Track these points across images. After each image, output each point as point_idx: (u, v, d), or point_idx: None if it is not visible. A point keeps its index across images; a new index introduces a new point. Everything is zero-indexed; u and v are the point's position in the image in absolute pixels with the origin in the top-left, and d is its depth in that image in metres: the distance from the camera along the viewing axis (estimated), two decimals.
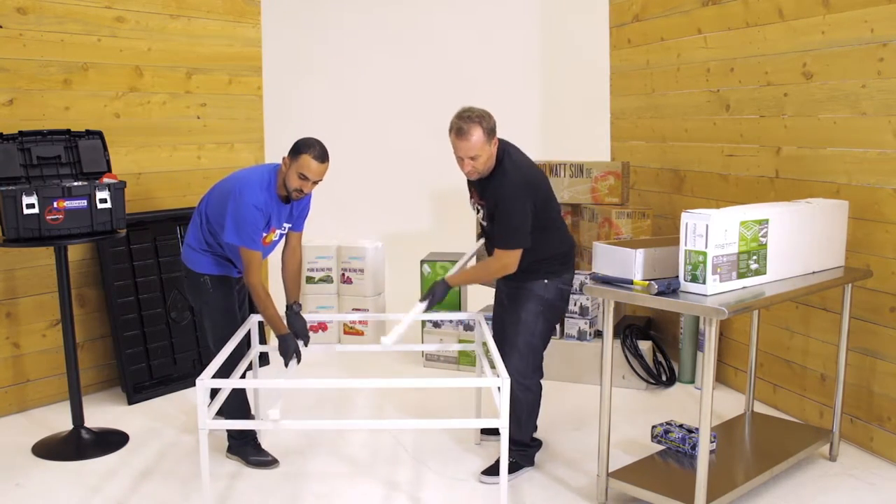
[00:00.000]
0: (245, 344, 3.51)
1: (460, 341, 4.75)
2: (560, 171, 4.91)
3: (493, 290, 3.64)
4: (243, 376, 3.39)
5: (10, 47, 3.95)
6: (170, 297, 4.54)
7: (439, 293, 3.31)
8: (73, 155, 3.84)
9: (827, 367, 3.79)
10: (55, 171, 3.78)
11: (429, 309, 3.31)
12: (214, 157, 4.92)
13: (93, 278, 4.40)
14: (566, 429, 3.95)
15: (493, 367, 3.15)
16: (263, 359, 4.84)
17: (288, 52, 6.26)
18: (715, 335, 2.74)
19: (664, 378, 4.59)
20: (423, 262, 5.11)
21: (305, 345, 3.47)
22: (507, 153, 3.24)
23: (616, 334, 4.56)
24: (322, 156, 3.23)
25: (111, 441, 3.77)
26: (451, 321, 4.84)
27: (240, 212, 3.21)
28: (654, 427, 3.51)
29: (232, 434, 3.56)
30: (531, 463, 3.53)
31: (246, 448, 3.54)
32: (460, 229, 5.75)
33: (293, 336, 3.38)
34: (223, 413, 3.49)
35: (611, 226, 4.69)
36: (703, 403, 2.76)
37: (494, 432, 3.50)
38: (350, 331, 5.45)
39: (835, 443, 3.53)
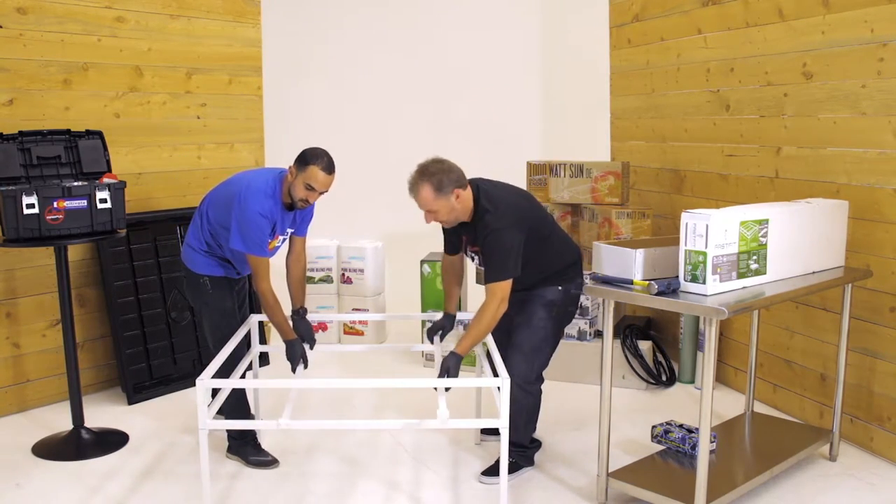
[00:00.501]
0: (245, 344, 3.51)
1: None
2: (560, 171, 4.91)
3: None
4: (243, 376, 3.39)
5: (10, 47, 3.95)
6: (170, 297, 4.54)
7: (453, 368, 3.06)
8: (73, 155, 3.84)
9: (827, 367, 3.79)
10: (55, 171, 3.78)
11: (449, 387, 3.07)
12: (214, 157, 4.92)
13: (93, 278, 4.40)
14: (566, 429, 3.95)
15: (493, 367, 3.15)
16: (263, 359, 4.84)
17: (288, 52, 6.26)
18: (715, 335, 2.74)
19: (664, 378, 4.59)
20: (423, 262, 5.11)
21: (311, 347, 3.47)
22: (481, 193, 3.20)
23: (616, 334, 4.56)
24: (329, 167, 3.22)
25: (111, 441, 3.77)
26: None
27: (245, 219, 3.20)
28: (654, 427, 3.51)
29: (232, 434, 3.56)
30: (531, 463, 3.53)
31: (246, 448, 3.54)
32: None
33: (300, 341, 3.39)
34: (223, 413, 3.50)
35: (611, 226, 4.69)
36: (703, 403, 2.76)
37: (494, 432, 3.51)
38: (350, 331, 5.45)
39: (835, 443, 3.53)
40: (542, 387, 3.46)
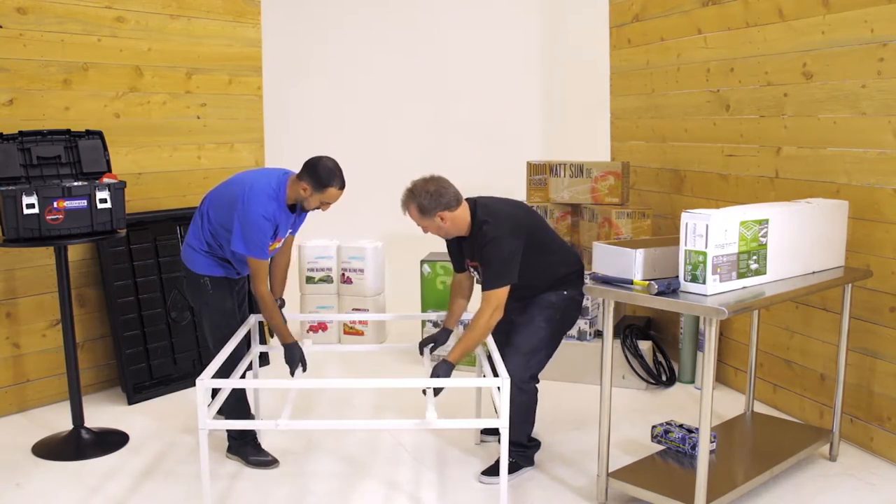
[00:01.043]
0: (245, 344, 3.51)
1: None
2: (560, 171, 4.91)
3: None
4: (243, 376, 3.39)
5: (10, 47, 3.95)
6: (170, 297, 4.54)
7: (444, 376, 3.07)
8: (73, 155, 3.84)
9: (827, 367, 3.79)
10: (55, 171, 3.78)
11: (438, 392, 3.10)
12: (214, 157, 4.92)
13: (93, 278, 4.40)
14: (566, 429, 3.95)
15: (493, 367, 3.15)
16: (263, 359, 4.84)
17: (288, 52, 6.26)
18: (715, 335, 2.74)
19: (664, 378, 4.59)
20: (423, 262, 5.11)
21: (304, 370, 3.40)
22: (479, 207, 3.24)
23: (616, 334, 4.56)
24: (343, 182, 3.25)
25: (111, 441, 3.77)
26: None
27: (248, 221, 3.19)
28: (654, 427, 3.51)
29: (232, 434, 3.56)
30: (531, 463, 3.53)
31: (246, 448, 3.54)
32: None
33: (298, 345, 3.39)
34: (223, 413, 3.50)
35: (611, 226, 4.70)
36: (703, 403, 2.76)
37: (494, 432, 3.51)
38: (350, 331, 5.45)
39: (835, 443, 3.53)
40: (539, 387, 3.45)
